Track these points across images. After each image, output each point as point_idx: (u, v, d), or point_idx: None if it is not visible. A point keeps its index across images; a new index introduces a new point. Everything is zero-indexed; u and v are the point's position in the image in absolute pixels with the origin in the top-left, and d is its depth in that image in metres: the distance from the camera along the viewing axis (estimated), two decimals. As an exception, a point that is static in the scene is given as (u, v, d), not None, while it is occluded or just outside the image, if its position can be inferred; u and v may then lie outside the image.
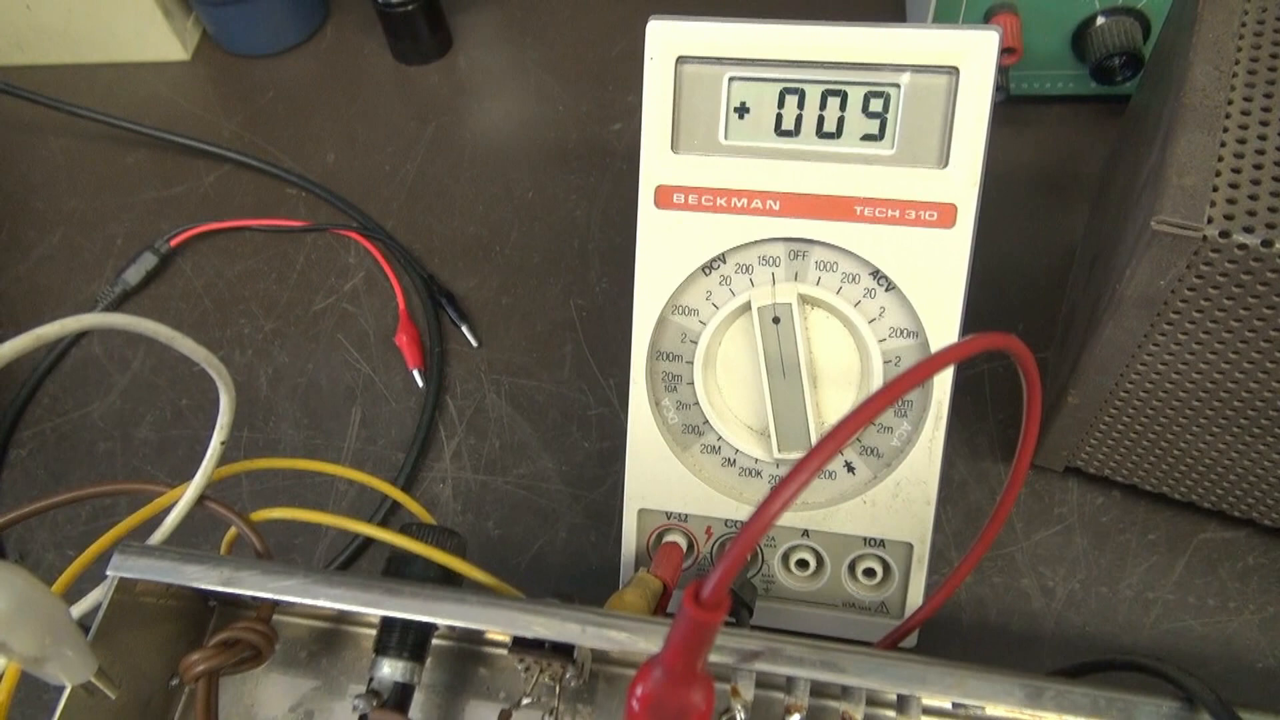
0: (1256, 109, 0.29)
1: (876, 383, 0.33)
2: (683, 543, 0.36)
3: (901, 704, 0.27)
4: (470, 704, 0.31)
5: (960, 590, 0.39)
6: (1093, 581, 0.39)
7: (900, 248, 0.32)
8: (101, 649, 0.27)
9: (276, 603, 0.29)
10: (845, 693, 0.27)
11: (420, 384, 0.47)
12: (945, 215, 0.32)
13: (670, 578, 0.34)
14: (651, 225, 0.34)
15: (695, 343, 0.34)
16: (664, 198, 0.33)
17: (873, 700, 0.29)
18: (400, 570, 0.31)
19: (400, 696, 0.29)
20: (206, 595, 0.32)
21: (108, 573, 0.28)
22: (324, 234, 0.54)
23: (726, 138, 0.33)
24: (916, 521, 0.34)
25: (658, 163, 0.33)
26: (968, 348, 0.22)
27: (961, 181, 0.31)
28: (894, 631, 0.33)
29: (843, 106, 0.32)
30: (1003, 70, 0.50)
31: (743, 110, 0.33)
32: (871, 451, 0.34)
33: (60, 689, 0.27)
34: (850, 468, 0.35)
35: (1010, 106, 0.52)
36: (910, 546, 0.34)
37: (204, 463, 0.30)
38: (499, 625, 0.27)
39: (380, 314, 0.50)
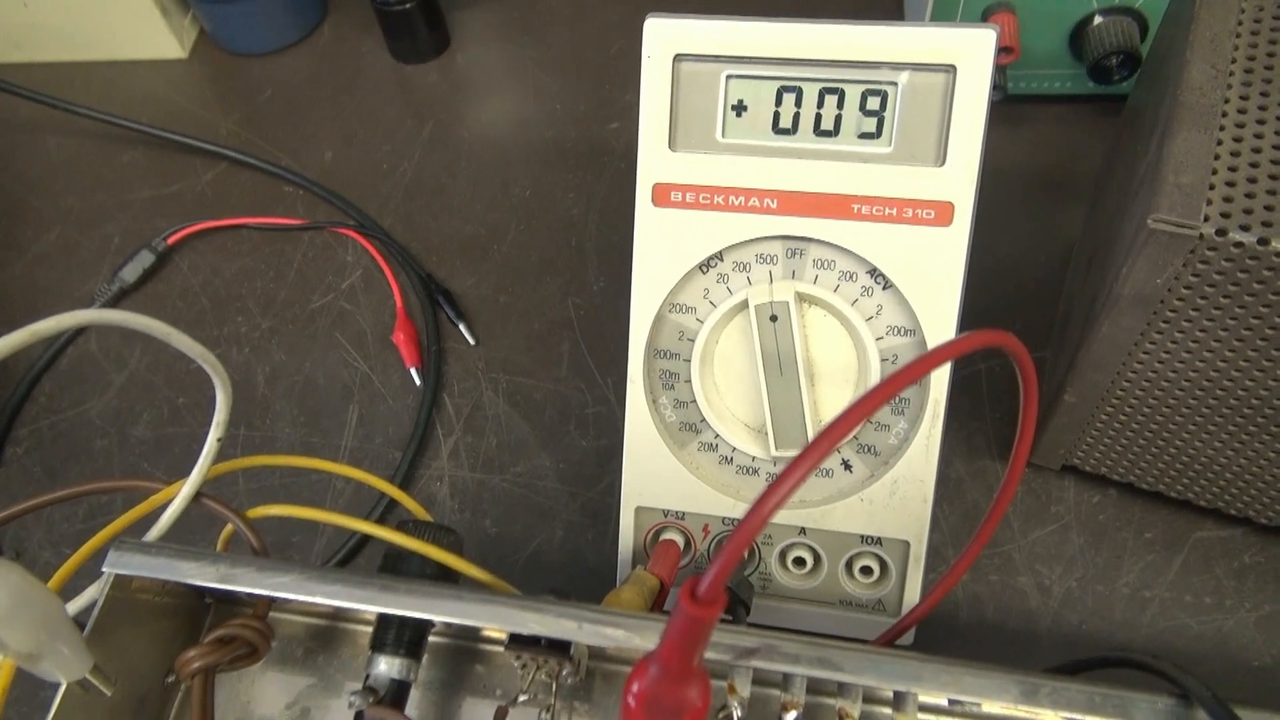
0: (1253, 108, 0.29)
1: (873, 380, 0.33)
2: (680, 540, 0.36)
3: (898, 701, 0.27)
4: (467, 701, 0.31)
5: (957, 588, 0.39)
6: (1089, 579, 0.39)
7: (897, 246, 0.32)
8: (97, 646, 0.27)
9: (273, 599, 0.29)
10: (842, 690, 0.27)
11: (418, 382, 0.47)
12: (942, 213, 0.32)
13: (667, 575, 0.34)
14: (649, 223, 0.34)
15: (693, 341, 0.34)
16: (661, 196, 0.33)
17: (869, 697, 0.29)
18: (397, 567, 0.31)
19: (397, 693, 0.29)
20: (202, 592, 0.32)
21: (104, 569, 0.28)
22: (321, 232, 0.54)
23: (724, 136, 0.33)
24: (913, 519, 0.34)
25: (655, 161, 0.33)
26: (964, 345, 0.22)
27: (959, 180, 0.31)
28: (891, 629, 0.33)
29: (840, 105, 0.32)
30: (1000, 69, 0.50)
31: (740, 108, 0.33)
32: (869, 449, 0.34)
33: (56, 686, 0.27)
34: (847, 465, 0.35)
35: (1008, 105, 0.52)
36: (907, 544, 0.34)
37: (200, 460, 0.30)
38: (496, 622, 0.27)
39: (377, 312, 0.50)
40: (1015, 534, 0.40)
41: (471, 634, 0.32)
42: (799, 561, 0.36)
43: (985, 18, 0.49)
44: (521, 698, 0.29)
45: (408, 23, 0.59)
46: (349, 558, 0.42)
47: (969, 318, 0.32)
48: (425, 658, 0.31)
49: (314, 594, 0.28)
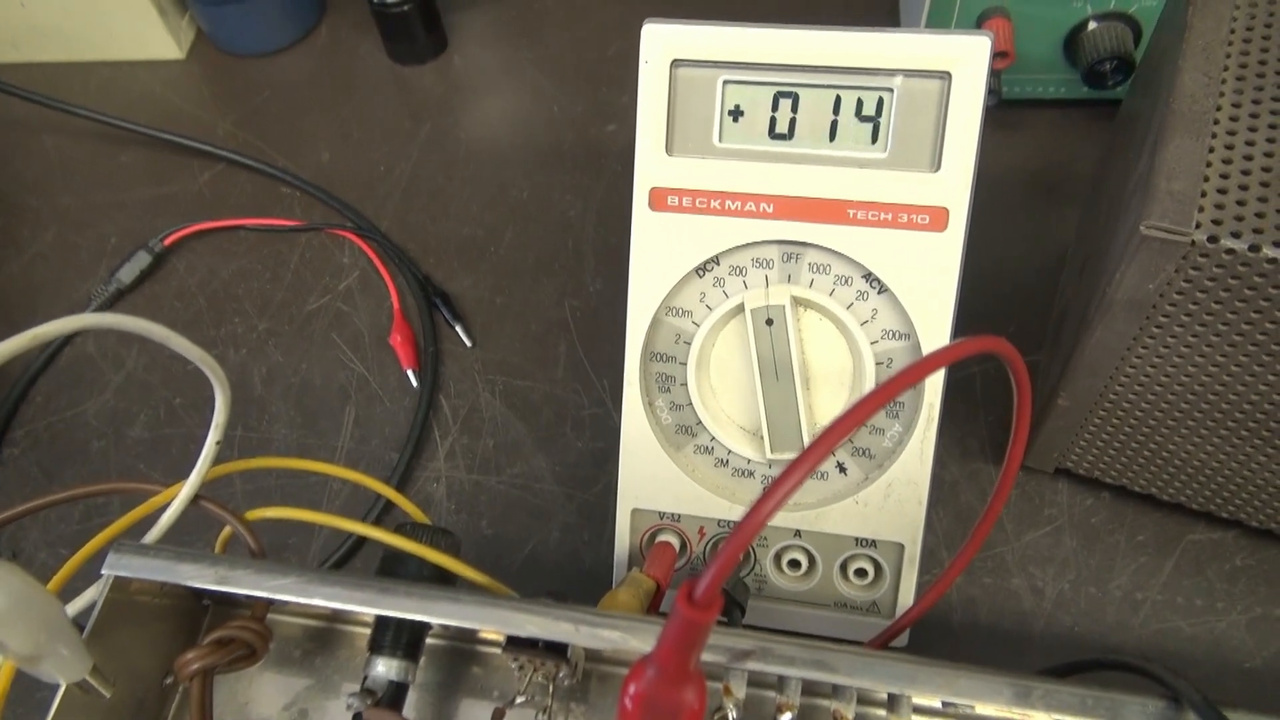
0: (1245, 115, 0.29)
1: (869, 384, 0.33)
2: (675, 543, 0.36)
3: (892, 703, 0.27)
4: (464, 703, 0.32)
5: (951, 590, 0.39)
6: (1082, 582, 0.39)
7: (893, 251, 0.32)
8: (96, 647, 0.27)
9: (271, 601, 0.29)
10: (836, 691, 0.27)
11: (414, 384, 0.47)
12: (937, 218, 0.32)
13: (663, 577, 0.34)
14: (645, 227, 0.34)
15: (689, 344, 0.35)
16: (658, 199, 0.34)
17: (864, 699, 0.29)
18: (395, 569, 0.31)
19: (394, 695, 0.29)
20: (201, 594, 0.32)
21: (103, 571, 0.28)
22: (318, 233, 0.54)
23: (721, 140, 0.33)
24: (908, 522, 0.34)
25: (652, 165, 0.34)
26: (959, 351, 0.22)
27: (954, 185, 0.31)
28: (885, 631, 0.34)
29: (836, 110, 0.32)
30: (995, 74, 0.50)
31: (737, 113, 0.33)
32: (863, 452, 0.35)
33: (55, 687, 0.27)
34: (842, 468, 0.35)
35: (1002, 110, 0.53)
36: (901, 547, 0.35)
37: (199, 462, 0.30)
38: (493, 624, 0.27)
39: (374, 314, 0.50)
40: (1009, 536, 0.40)
41: (469, 636, 0.32)
42: (794, 564, 0.36)
43: (980, 24, 0.49)
44: (518, 699, 0.29)
45: (405, 24, 0.59)
46: (345, 559, 0.42)
47: (963, 321, 0.32)
48: (423, 659, 0.31)
49: (313, 596, 0.28)
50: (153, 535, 0.31)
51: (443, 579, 0.31)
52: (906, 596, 0.35)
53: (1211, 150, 0.29)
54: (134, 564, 0.28)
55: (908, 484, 0.34)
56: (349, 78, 0.62)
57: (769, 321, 0.33)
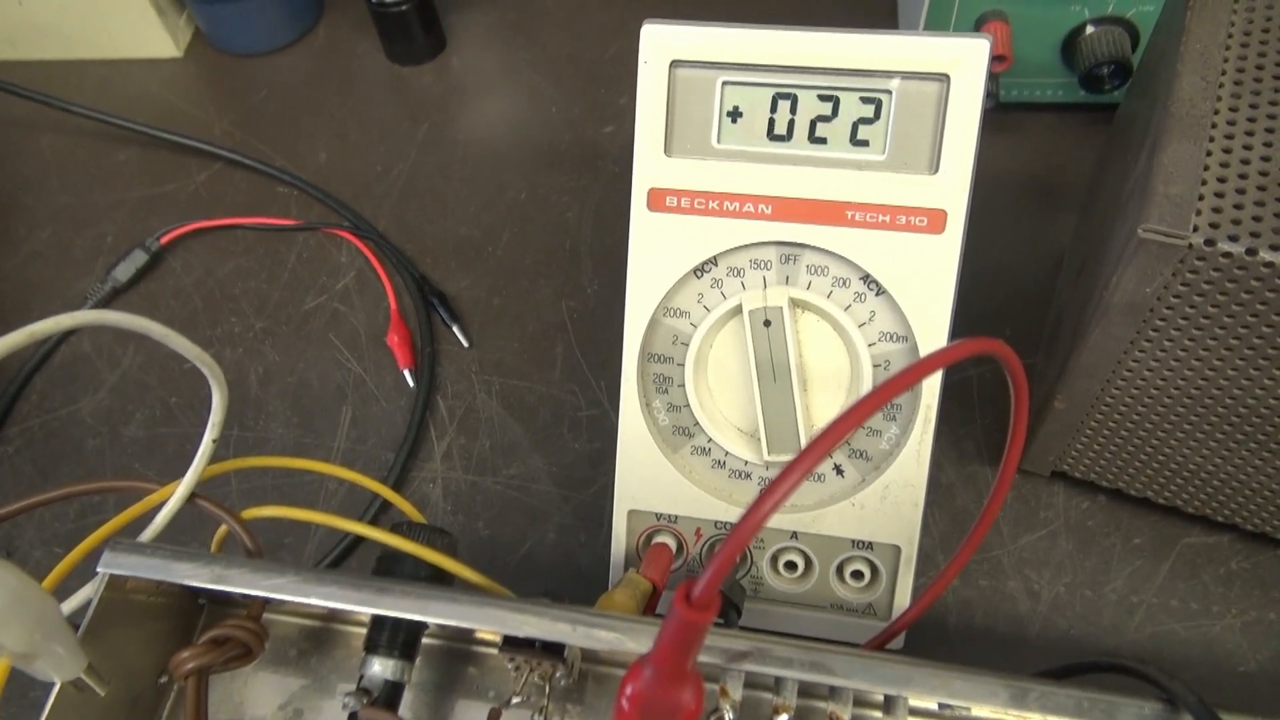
0: (1242, 119, 0.29)
1: (866, 386, 0.33)
2: (672, 544, 0.36)
3: (888, 705, 0.27)
4: (460, 703, 0.32)
5: (947, 593, 0.39)
6: (1078, 585, 0.39)
7: (891, 252, 0.32)
8: (91, 646, 0.27)
9: (267, 601, 0.29)
10: (833, 693, 0.27)
11: (411, 384, 0.47)
12: (935, 221, 0.32)
13: (659, 578, 0.34)
14: (644, 227, 0.34)
15: (686, 345, 0.35)
16: (656, 200, 0.34)
17: (860, 701, 0.29)
18: (391, 569, 0.31)
19: (390, 695, 0.29)
20: (197, 593, 0.32)
21: (98, 569, 0.28)
22: (315, 233, 0.54)
23: (719, 142, 0.33)
24: (904, 524, 0.34)
25: (651, 165, 0.34)
26: (956, 352, 0.23)
27: (952, 187, 0.32)
28: (881, 633, 0.34)
29: (835, 112, 0.32)
30: (993, 77, 0.50)
31: (735, 114, 0.33)
32: (860, 454, 0.35)
33: (49, 686, 0.27)
34: (839, 470, 0.35)
35: (1000, 113, 0.53)
36: (898, 549, 0.35)
37: (195, 460, 0.30)
38: (489, 624, 0.27)
39: (371, 314, 0.50)
40: (1005, 539, 0.40)
41: (465, 636, 0.32)
42: (790, 565, 0.36)
43: (978, 27, 0.49)
44: (515, 699, 0.29)
45: (403, 24, 0.59)
46: (341, 559, 0.42)
47: (960, 324, 0.32)
48: (419, 659, 0.31)
49: (309, 595, 0.28)
50: (148, 534, 0.31)
51: (439, 579, 0.31)
52: (903, 599, 0.35)
53: (1209, 154, 0.29)
54: (129, 562, 0.28)
55: (904, 486, 0.34)
56: (347, 77, 0.62)
57: (767, 323, 0.33)
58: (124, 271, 0.52)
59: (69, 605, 0.30)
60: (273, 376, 0.48)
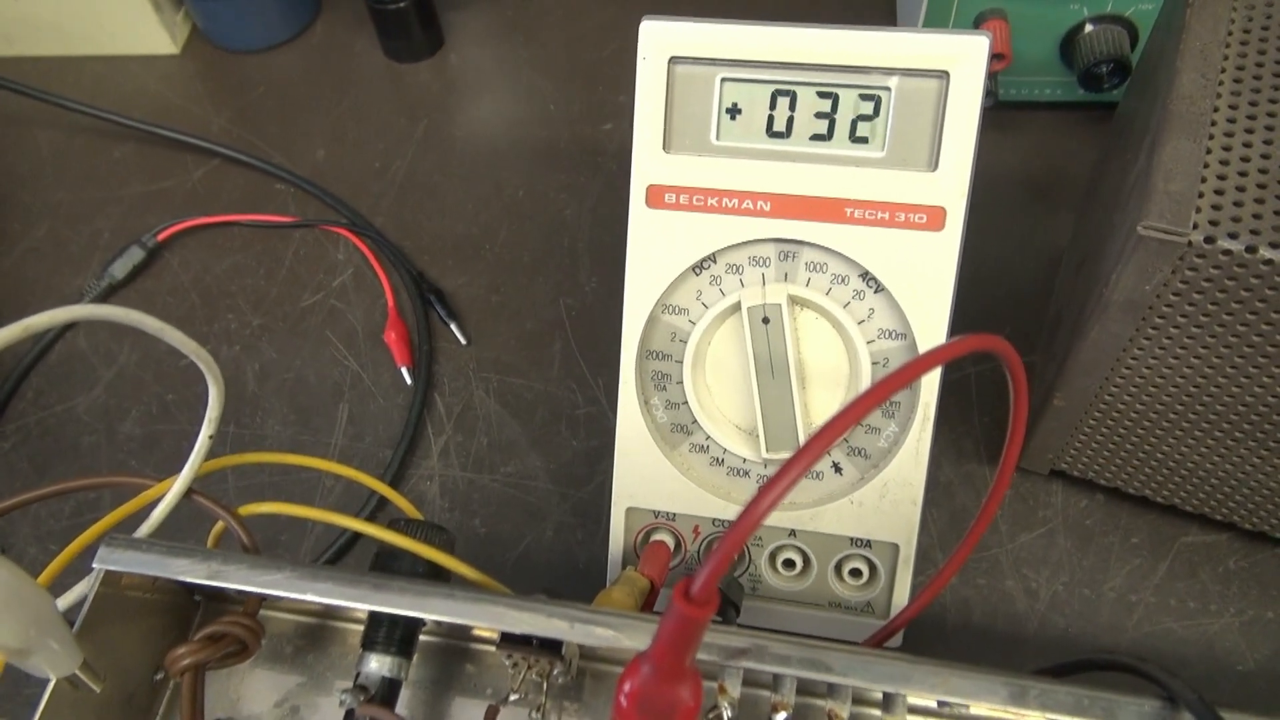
0: (1242, 116, 0.29)
1: (865, 383, 0.33)
2: (670, 541, 0.36)
3: (887, 702, 0.27)
4: (457, 700, 0.31)
5: (945, 591, 0.39)
6: (1076, 583, 0.39)
7: (890, 250, 0.32)
8: (86, 642, 0.27)
9: (264, 597, 0.29)
10: (831, 691, 0.27)
11: (408, 381, 0.47)
12: (934, 218, 0.32)
13: (657, 576, 0.34)
14: (642, 224, 0.34)
15: (685, 342, 0.35)
16: (655, 197, 0.34)
17: (858, 698, 0.29)
18: (388, 566, 0.31)
19: (387, 692, 0.29)
20: (193, 589, 0.32)
21: (94, 565, 0.28)
22: (313, 230, 0.54)
23: (718, 138, 0.33)
24: (903, 522, 0.34)
25: (649, 162, 0.33)
26: (955, 349, 0.22)
27: (951, 185, 0.31)
28: (879, 631, 0.33)
29: (834, 109, 0.32)
30: (992, 76, 0.50)
31: (734, 111, 0.33)
32: (859, 452, 0.34)
33: (44, 682, 0.27)
34: (838, 468, 0.35)
35: (999, 112, 0.53)
36: (896, 547, 0.35)
37: (192, 456, 0.30)
38: (487, 621, 0.27)
39: (369, 311, 0.50)
40: (1003, 537, 0.40)
41: (463, 633, 0.32)
42: (789, 563, 0.36)
43: (978, 24, 0.49)
44: (512, 697, 0.29)
45: (401, 21, 0.59)
46: (338, 556, 0.42)
47: (959, 322, 0.32)
48: (416, 656, 0.31)
49: (306, 592, 0.27)
50: (145, 529, 0.31)
51: (437, 576, 0.31)
52: (901, 597, 0.35)
53: (1209, 151, 0.29)
54: (125, 558, 0.28)
55: (903, 484, 0.34)
56: (344, 74, 0.61)
57: (765, 320, 0.33)
58: (120, 268, 0.52)
59: (64, 601, 0.30)
60: (270, 373, 0.48)
